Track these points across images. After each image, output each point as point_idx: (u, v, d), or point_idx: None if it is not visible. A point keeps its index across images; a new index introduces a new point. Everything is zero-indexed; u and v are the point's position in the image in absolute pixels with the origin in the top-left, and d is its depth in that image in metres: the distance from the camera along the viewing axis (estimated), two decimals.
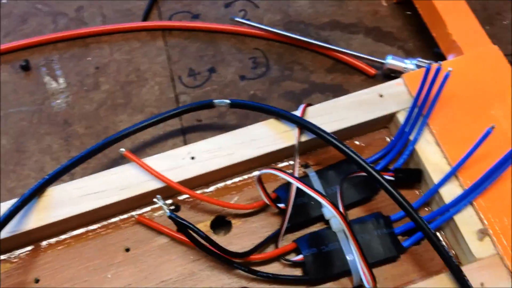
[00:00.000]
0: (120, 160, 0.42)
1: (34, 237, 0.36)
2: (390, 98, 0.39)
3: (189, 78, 0.46)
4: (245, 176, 0.40)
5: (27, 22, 0.48)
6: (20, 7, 0.48)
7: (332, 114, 0.39)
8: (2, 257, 0.36)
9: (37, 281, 0.35)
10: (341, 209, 0.33)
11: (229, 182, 0.39)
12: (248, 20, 0.48)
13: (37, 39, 0.46)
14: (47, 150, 0.42)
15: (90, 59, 0.46)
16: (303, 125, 0.37)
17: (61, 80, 0.45)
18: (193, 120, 0.44)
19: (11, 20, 0.48)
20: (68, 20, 0.48)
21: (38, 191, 0.35)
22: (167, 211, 0.33)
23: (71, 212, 0.35)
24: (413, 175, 0.38)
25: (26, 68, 0.45)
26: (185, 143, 0.43)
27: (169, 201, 0.38)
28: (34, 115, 0.44)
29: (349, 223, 0.32)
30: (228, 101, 0.39)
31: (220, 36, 0.48)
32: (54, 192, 0.36)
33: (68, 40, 0.47)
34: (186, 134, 0.44)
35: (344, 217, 0.32)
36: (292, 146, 0.38)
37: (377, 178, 0.34)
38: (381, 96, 0.39)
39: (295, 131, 0.38)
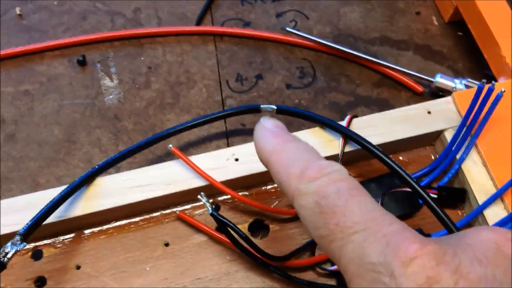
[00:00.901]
0: (165, 157, 0.43)
1: (79, 224, 0.37)
2: (438, 116, 0.39)
3: (237, 83, 0.47)
4: None
5: (86, 20, 0.50)
6: (81, 5, 0.51)
7: (378, 127, 0.39)
8: (47, 241, 0.37)
9: (78, 267, 0.37)
10: None
11: (269, 186, 0.40)
12: (298, 30, 0.48)
13: (94, 36, 0.48)
14: (96, 142, 0.44)
15: (143, 59, 0.48)
16: (349, 136, 0.37)
17: (114, 77, 0.47)
18: (238, 123, 0.45)
19: (71, 16, 0.50)
20: (125, 20, 0.50)
21: (87, 180, 0.36)
22: (210, 208, 0.34)
23: (117, 202, 0.36)
24: (457, 195, 0.37)
25: (82, 63, 0.47)
26: (228, 145, 0.44)
27: (210, 200, 0.39)
28: (87, 108, 0.45)
29: None
30: (274, 106, 0.40)
31: (270, 44, 0.49)
32: (103, 182, 0.37)
33: (124, 39, 0.49)
34: (230, 137, 0.44)
35: None
36: (336, 156, 0.38)
37: (421, 194, 0.34)
38: (429, 112, 0.39)
39: (340, 141, 0.38)
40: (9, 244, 0.31)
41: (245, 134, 0.45)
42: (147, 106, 0.46)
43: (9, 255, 0.31)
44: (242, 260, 0.37)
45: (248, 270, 0.37)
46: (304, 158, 0.25)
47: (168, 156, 0.43)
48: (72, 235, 0.38)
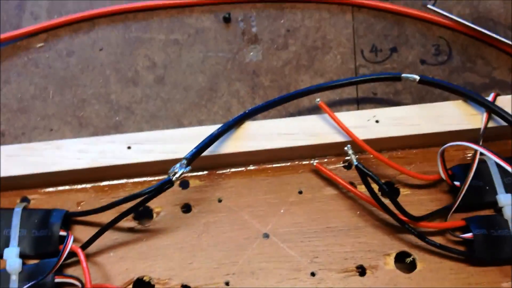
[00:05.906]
0: (297, 115, 0.45)
1: (224, 162, 0.40)
2: None
3: (371, 54, 0.48)
4: (414, 150, 0.41)
5: None
6: None
7: None
8: (194, 173, 0.41)
9: (220, 200, 0.40)
10: None
11: (399, 151, 0.41)
12: (437, 8, 0.49)
13: None
14: (235, 94, 0.47)
15: (283, 22, 0.50)
16: (495, 111, 0.38)
17: (255, 36, 0.50)
18: (369, 92, 0.46)
19: None
20: None
21: (238, 122, 0.39)
22: (355, 160, 0.36)
23: (263, 146, 0.39)
24: None
25: (227, 20, 0.50)
26: None
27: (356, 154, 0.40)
28: (228, 62, 0.49)
29: None
30: (417, 76, 0.41)
31: (407, 19, 0.50)
32: (251, 126, 0.40)
33: (267, 1, 0.51)
34: (360, 104, 0.46)
35: None
36: (476, 130, 0.39)
37: None
38: None
39: (483, 115, 0.39)
40: (177, 165, 0.34)
41: (376, 102, 0.46)
42: (283, 66, 0.48)
43: (177, 175, 0.34)
44: (371, 216, 0.39)
45: (376, 227, 0.38)
46: None
47: (300, 114, 0.46)
48: (216, 171, 0.41)
